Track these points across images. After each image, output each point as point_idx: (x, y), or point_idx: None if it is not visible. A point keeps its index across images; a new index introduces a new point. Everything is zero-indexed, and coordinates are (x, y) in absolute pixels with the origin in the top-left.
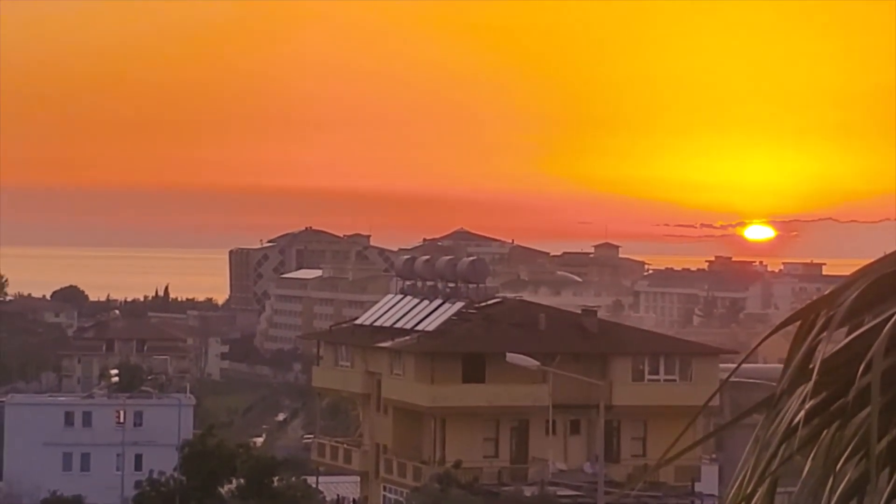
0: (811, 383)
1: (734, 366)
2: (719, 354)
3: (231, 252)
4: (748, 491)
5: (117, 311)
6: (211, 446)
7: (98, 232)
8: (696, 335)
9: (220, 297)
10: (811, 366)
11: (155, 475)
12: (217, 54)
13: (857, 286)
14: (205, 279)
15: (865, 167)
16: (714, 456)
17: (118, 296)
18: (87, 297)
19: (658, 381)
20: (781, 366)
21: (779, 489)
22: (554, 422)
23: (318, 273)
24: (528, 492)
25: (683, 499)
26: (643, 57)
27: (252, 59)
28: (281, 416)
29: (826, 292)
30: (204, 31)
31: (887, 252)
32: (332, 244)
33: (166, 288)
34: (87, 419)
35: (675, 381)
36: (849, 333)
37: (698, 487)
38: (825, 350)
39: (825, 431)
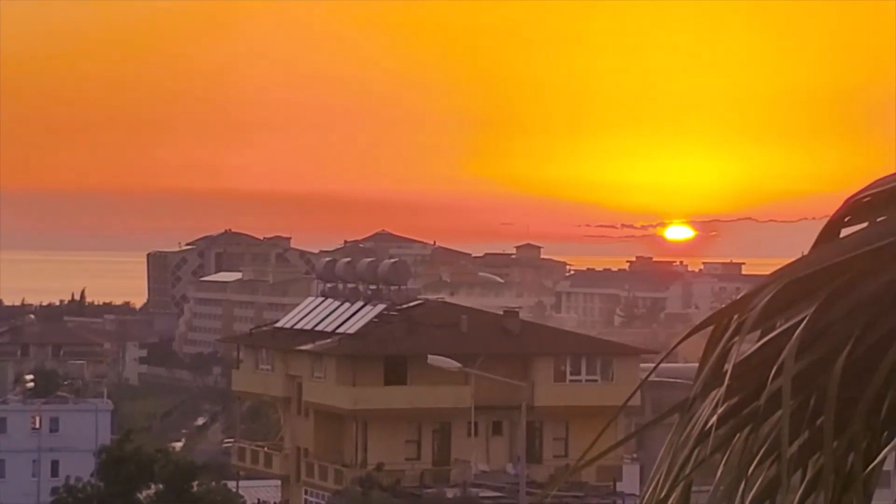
0: (724, 387)
1: (655, 366)
2: (640, 354)
3: (149, 255)
4: (662, 495)
5: (32, 316)
6: (129, 451)
7: (12, 234)
8: (617, 335)
9: (138, 300)
10: (724, 369)
11: (72, 481)
12: (136, 55)
13: (769, 290)
14: (122, 283)
15: (784, 168)
16: (635, 455)
17: (33, 300)
18: (1, 301)
19: (580, 381)
20: None
21: (695, 488)
22: (476, 423)
23: (237, 276)
24: (450, 493)
25: (605, 498)
26: (565, 58)
27: (170, 60)
28: (200, 421)
29: (739, 296)
30: (123, 32)
31: (805, 252)
32: (252, 246)
33: (83, 292)
34: (1, 425)
35: (596, 381)
36: (761, 337)
37: (620, 487)
38: (738, 354)
39: (738, 435)
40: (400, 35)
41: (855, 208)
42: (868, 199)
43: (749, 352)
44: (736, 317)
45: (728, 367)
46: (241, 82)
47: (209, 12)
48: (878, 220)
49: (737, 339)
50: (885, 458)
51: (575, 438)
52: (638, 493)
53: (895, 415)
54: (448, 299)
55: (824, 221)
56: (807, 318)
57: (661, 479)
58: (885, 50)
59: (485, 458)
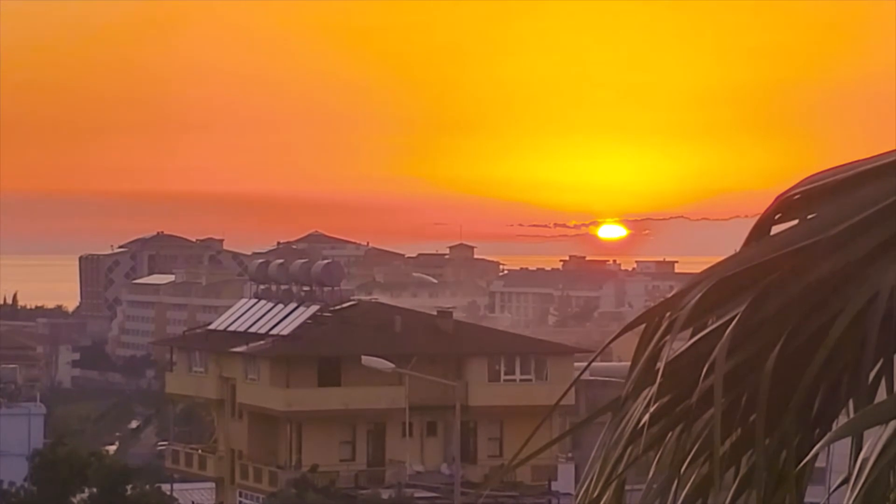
0: (656, 386)
1: (587, 364)
2: (574, 353)
3: (81, 258)
4: (595, 494)
5: None
6: (62, 455)
7: None
8: (551, 334)
9: (71, 303)
10: (656, 368)
11: (4, 486)
12: (63, 58)
13: (700, 288)
14: (54, 286)
15: (716, 166)
16: (570, 455)
17: None
18: None
19: (514, 381)
20: None
21: (628, 487)
22: (410, 424)
23: (170, 278)
24: (385, 494)
25: (540, 498)
26: (495, 59)
27: (100, 63)
28: (134, 424)
29: (670, 295)
30: (50, 34)
31: (737, 249)
32: (185, 249)
33: (14, 295)
34: None
35: (530, 380)
36: (693, 335)
37: (555, 486)
38: (669, 352)
39: (670, 433)
40: (330, 37)
41: (785, 206)
42: (798, 196)
43: (681, 350)
44: (668, 315)
45: (660, 365)
46: (172, 85)
47: (138, 15)
48: (809, 217)
49: (668, 337)
50: (817, 455)
51: (509, 438)
52: (573, 493)
53: (827, 412)
54: (382, 300)
55: (755, 219)
56: (738, 316)
57: (594, 478)
58: (816, 48)
59: (419, 459)
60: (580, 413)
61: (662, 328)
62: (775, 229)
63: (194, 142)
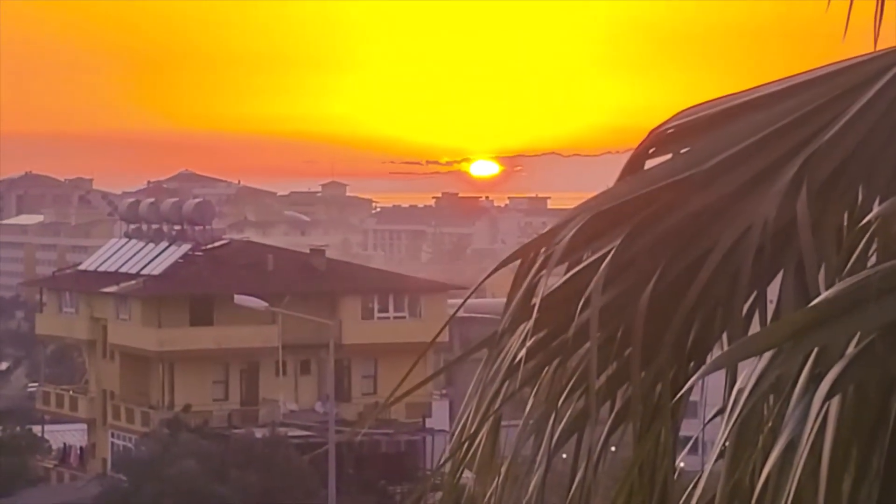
0: (532, 321)
1: (462, 301)
2: (448, 290)
3: None
4: (472, 430)
5: None
6: None
7: None
8: (424, 272)
9: None
10: (532, 303)
11: None
12: None
13: (575, 223)
14: None
15: (587, 102)
16: (444, 391)
17: None
18: None
19: (388, 318)
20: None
21: (505, 422)
22: (284, 362)
23: (39, 218)
24: (259, 433)
25: (415, 435)
26: None
27: None
28: (3, 365)
29: (545, 231)
30: None
31: (610, 185)
32: (53, 188)
33: None
34: None
35: (404, 318)
36: (568, 271)
37: (429, 423)
38: (545, 288)
39: (547, 368)
40: None
41: (659, 140)
42: (672, 130)
43: (556, 286)
44: (543, 251)
45: (535, 301)
46: (40, 21)
47: None
48: (682, 151)
49: (544, 272)
50: (692, 388)
51: (384, 376)
52: (447, 430)
53: (701, 345)
54: (254, 238)
55: (627, 155)
56: (612, 250)
57: (472, 414)
58: None
59: (293, 398)
60: (454, 350)
61: (538, 264)
62: (649, 164)
63: (61, 80)
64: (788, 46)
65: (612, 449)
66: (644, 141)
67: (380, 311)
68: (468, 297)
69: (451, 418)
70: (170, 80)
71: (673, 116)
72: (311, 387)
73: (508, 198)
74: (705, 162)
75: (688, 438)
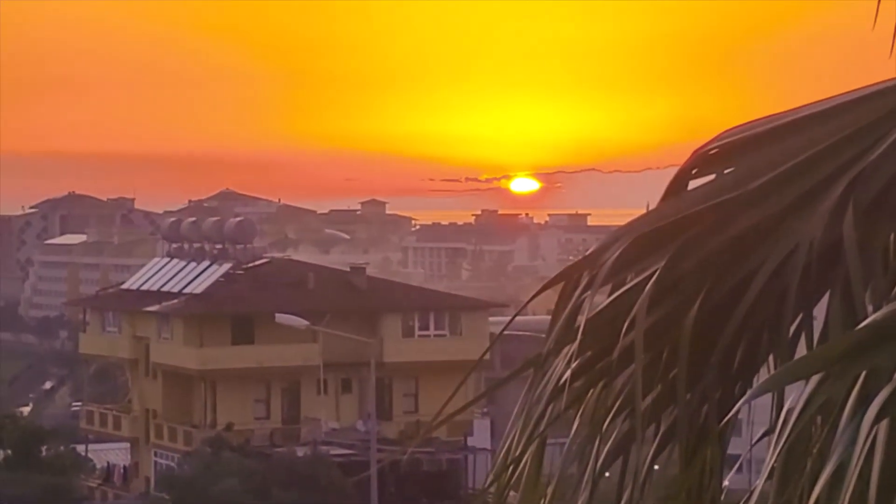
0: (577, 342)
1: (503, 318)
2: (488, 308)
3: None
4: (517, 453)
5: None
6: None
7: None
8: (465, 289)
9: None
10: (576, 325)
11: None
12: None
13: (619, 244)
14: None
15: (627, 118)
16: (486, 410)
17: None
18: None
19: (428, 336)
20: (549, 317)
21: (551, 440)
22: (325, 381)
23: (82, 238)
24: (300, 452)
25: (456, 453)
26: (404, 13)
27: (9, 15)
28: (48, 385)
29: (589, 251)
30: None
31: (651, 202)
32: (96, 208)
33: None
34: None
35: (445, 335)
36: (612, 292)
37: (471, 442)
38: (590, 309)
39: (592, 390)
40: None
41: (702, 160)
42: (715, 150)
43: (601, 307)
44: (586, 273)
45: (580, 322)
46: (79, 41)
47: None
48: (726, 171)
49: (588, 294)
50: (739, 410)
51: (425, 394)
52: (489, 448)
53: (748, 366)
54: (294, 257)
55: (668, 171)
56: (657, 271)
57: (517, 435)
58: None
59: (335, 416)
60: (495, 368)
61: (582, 285)
62: (692, 184)
63: (104, 100)
64: (834, 62)
65: (656, 467)
66: (687, 161)
67: (420, 328)
68: (512, 319)
69: (493, 437)
70: (210, 99)
71: (716, 136)
72: (352, 405)
73: (548, 215)
74: (750, 182)
75: (732, 456)
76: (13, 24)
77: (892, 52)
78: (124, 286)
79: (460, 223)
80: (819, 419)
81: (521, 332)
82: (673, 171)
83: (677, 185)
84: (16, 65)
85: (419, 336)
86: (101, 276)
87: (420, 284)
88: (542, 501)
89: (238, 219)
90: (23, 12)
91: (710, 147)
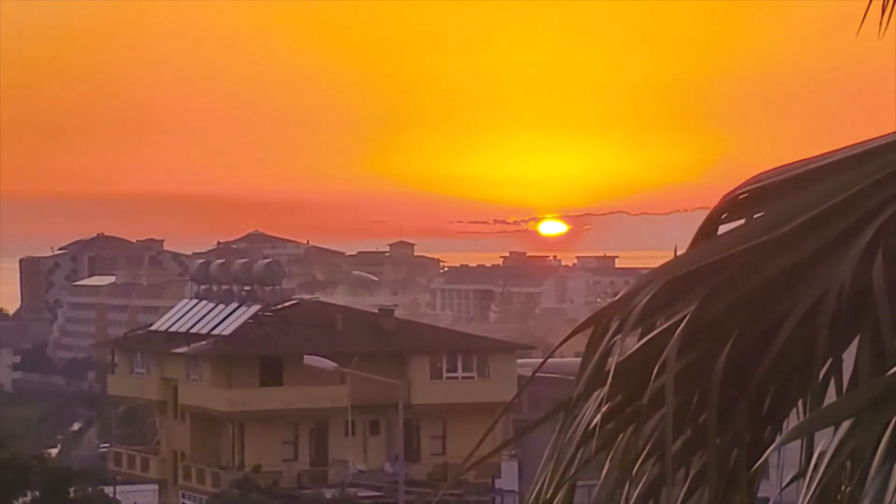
0: (607, 386)
1: (530, 360)
2: (516, 350)
3: (21, 260)
4: (548, 496)
5: None
6: (4, 458)
7: None
8: (492, 331)
9: (11, 306)
10: (606, 369)
11: None
12: (16, 55)
13: (648, 290)
14: None
15: (655, 160)
16: (513, 452)
17: None
18: None
19: (456, 378)
20: (577, 359)
21: (581, 483)
22: (353, 423)
23: (111, 279)
24: (328, 494)
25: (484, 496)
26: (433, 55)
27: (44, 63)
28: (76, 426)
29: (618, 296)
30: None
31: (679, 244)
32: (125, 250)
33: None
34: None
35: (473, 377)
36: (642, 336)
37: (498, 484)
38: (620, 352)
39: (622, 433)
40: (270, 38)
41: (732, 205)
42: (745, 195)
43: (631, 351)
44: (616, 317)
45: (611, 365)
46: (110, 84)
47: (80, 15)
48: (756, 216)
49: (618, 338)
50: (768, 457)
51: (452, 436)
52: (517, 490)
53: (778, 411)
54: (323, 298)
55: (696, 214)
56: (688, 315)
57: (547, 478)
58: (750, 43)
59: (362, 458)
60: (522, 410)
61: (613, 329)
62: (722, 229)
63: (133, 142)
64: (862, 106)
65: None
66: (718, 205)
67: (448, 370)
68: (541, 365)
69: (521, 479)
70: (239, 142)
71: (746, 181)
72: (380, 447)
73: (576, 257)
74: (780, 227)
75: (761, 500)
76: (39, 69)
77: None
78: (153, 328)
79: (488, 265)
80: (849, 465)
81: (549, 375)
82: (701, 214)
83: (707, 230)
84: (46, 108)
85: (447, 378)
86: (129, 317)
87: (448, 326)
88: None
89: (267, 260)
90: (48, 59)
91: (740, 191)
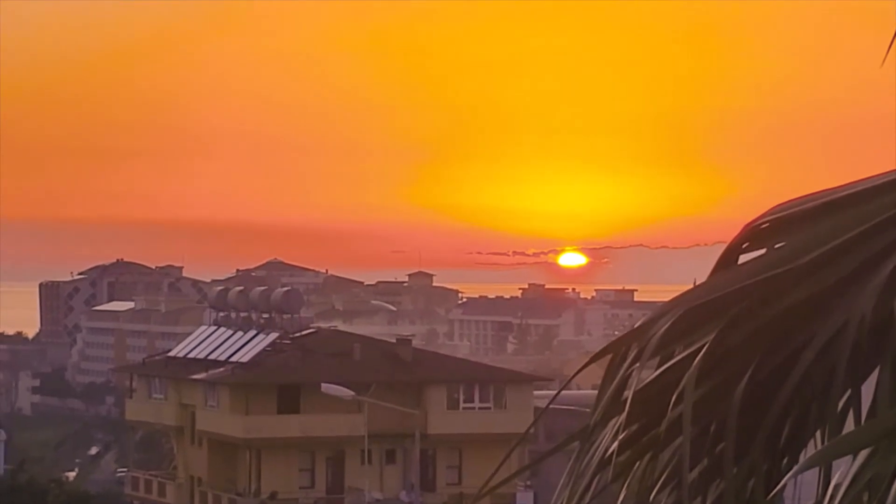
0: (624, 414)
1: (547, 392)
2: (533, 381)
3: (41, 285)
4: None
5: None
6: (22, 482)
7: None
8: (510, 362)
9: (31, 330)
10: (624, 397)
11: None
12: (38, 82)
13: (667, 318)
14: (14, 312)
15: (675, 193)
16: (529, 482)
17: None
18: None
19: (473, 408)
20: (594, 392)
21: None
22: (370, 451)
23: (130, 305)
24: None
25: None
26: (452, 85)
27: (66, 87)
28: (94, 450)
29: (637, 324)
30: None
31: (698, 278)
32: (144, 276)
33: None
34: None
35: (489, 408)
36: (660, 365)
37: None
38: (638, 381)
39: (638, 462)
40: (277, 67)
41: (753, 234)
42: (766, 225)
43: (649, 379)
44: (634, 346)
45: (628, 394)
46: (132, 110)
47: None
48: (776, 246)
49: (636, 367)
50: (785, 485)
51: (468, 466)
52: None
53: (795, 441)
54: (341, 327)
55: (717, 248)
56: (706, 344)
57: None
58: (770, 77)
59: (378, 486)
60: (539, 441)
61: (630, 358)
62: (743, 258)
63: (154, 169)
64: (882, 140)
65: None
66: (738, 235)
67: (465, 401)
68: (557, 394)
69: None
70: (258, 170)
71: (767, 211)
72: (396, 476)
73: (595, 290)
74: (801, 257)
75: None
76: (79, 98)
77: None
78: (171, 354)
79: (507, 296)
80: (866, 495)
81: (565, 406)
82: (720, 248)
83: (727, 259)
84: (68, 135)
85: (464, 408)
86: (147, 343)
87: (465, 357)
88: None
89: (285, 289)
90: (57, 84)
91: (761, 221)
